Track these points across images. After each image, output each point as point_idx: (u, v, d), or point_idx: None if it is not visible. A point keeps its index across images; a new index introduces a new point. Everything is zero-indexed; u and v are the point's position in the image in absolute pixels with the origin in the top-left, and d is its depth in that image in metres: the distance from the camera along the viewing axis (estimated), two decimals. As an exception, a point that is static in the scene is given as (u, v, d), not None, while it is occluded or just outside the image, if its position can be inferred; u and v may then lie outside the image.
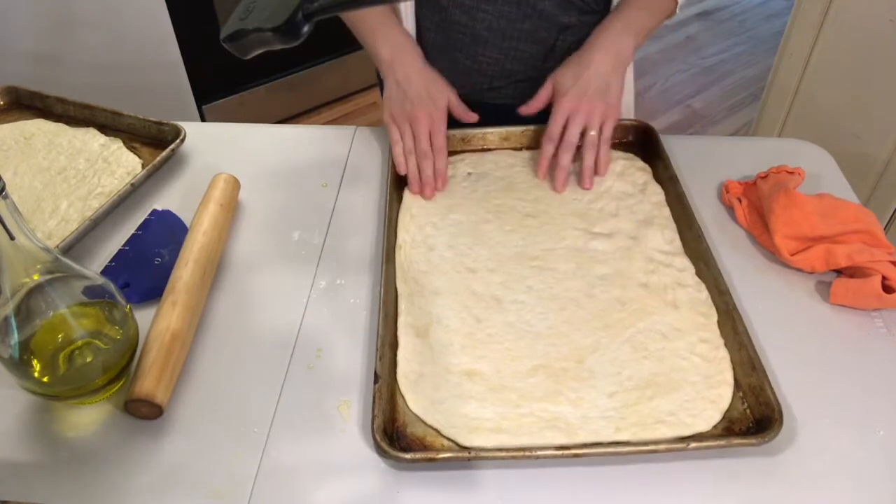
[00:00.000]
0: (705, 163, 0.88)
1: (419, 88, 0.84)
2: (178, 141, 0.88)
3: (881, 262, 0.70)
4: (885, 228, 1.50)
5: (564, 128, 0.82)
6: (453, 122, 0.88)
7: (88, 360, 0.59)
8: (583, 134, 0.83)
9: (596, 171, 0.84)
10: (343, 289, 0.73)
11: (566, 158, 0.82)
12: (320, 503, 0.55)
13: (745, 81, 2.72)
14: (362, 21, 0.88)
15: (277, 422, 0.61)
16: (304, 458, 0.58)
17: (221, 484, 0.56)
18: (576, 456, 0.56)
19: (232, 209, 0.79)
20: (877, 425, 0.60)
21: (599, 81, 0.82)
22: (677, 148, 0.89)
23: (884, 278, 0.69)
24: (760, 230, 0.78)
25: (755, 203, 0.80)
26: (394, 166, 0.84)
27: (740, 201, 0.81)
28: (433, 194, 0.83)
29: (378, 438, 0.56)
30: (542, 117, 0.90)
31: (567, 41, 0.93)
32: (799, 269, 0.74)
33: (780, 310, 0.70)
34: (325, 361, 0.66)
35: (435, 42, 0.96)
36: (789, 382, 0.63)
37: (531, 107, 0.86)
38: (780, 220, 0.74)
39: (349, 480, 0.57)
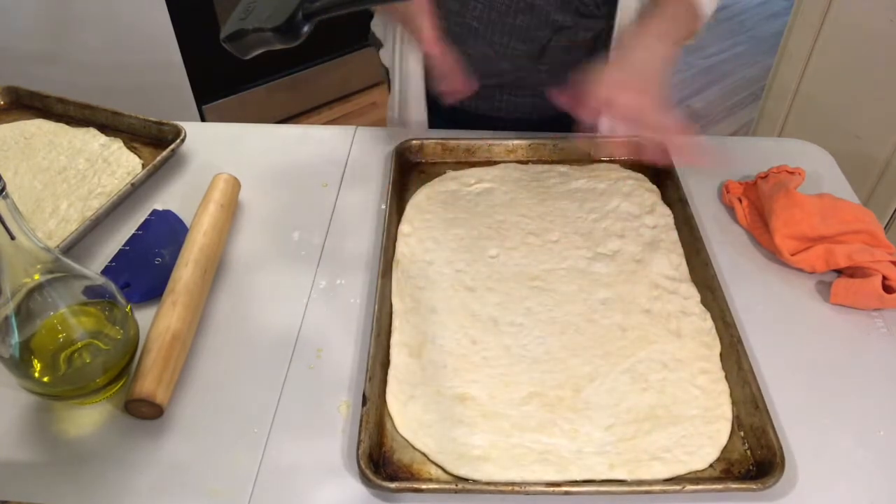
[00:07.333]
0: (705, 163, 0.88)
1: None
2: (178, 141, 0.88)
3: (881, 261, 0.70)
4: (885, 228, 1.50)
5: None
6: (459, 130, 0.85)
7: (89, 360, 0.59)
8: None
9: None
10: (343, 289, 0.73)
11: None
12: (320, 503, 0.55)
13: (745, 81, 2.72)
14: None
15: (278, 422, 0.61)
16: (305, 459, 0.58)
17: (221, 484, 0.56)
18: (567, 493, 0.55)
19: (232, 209, 0.79)
20: (877, 425, 0.60)
21: (652, 75, 0.75)
22: (677, 148, 0.89)
23: (884, 278, 0.69)
24: (761, 230, 0.78)
25: (755, 203, 0.80)
26: (395, 179, 0.82)
27: (740, 201, 0.81)
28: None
29: (363, 465, 0.55)
30: (551, 127, 0.89)
31: (560, 42, 0.91)
32: (799, 269, 0.74)
33: (780, 310, 0.70)
34: (326, 361, 0.66)
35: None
36: (789, 383, 0.63)
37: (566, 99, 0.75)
38: (780, 219, 0.74)
39: (350, 481, 0.56)
